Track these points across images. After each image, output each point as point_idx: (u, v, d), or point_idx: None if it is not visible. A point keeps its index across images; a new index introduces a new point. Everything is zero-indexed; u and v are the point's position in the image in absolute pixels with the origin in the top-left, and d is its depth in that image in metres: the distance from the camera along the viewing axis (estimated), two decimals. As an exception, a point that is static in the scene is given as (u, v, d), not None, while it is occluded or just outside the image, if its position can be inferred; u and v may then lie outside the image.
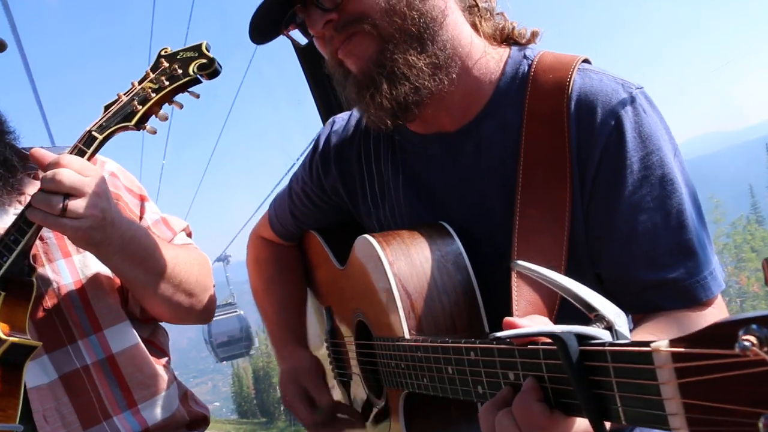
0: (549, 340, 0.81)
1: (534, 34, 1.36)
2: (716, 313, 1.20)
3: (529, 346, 0.85)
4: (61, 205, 1.34)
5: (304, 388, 1.60)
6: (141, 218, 1.76)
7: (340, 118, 1.64)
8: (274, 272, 1.82)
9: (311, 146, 1.65)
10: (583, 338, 0.76)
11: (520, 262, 0.90)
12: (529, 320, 0.94)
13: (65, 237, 1.61)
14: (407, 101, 1.25)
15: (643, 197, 1.18)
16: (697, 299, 1.18)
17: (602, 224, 1.20)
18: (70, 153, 1.42)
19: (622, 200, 1.18)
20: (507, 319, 0.90)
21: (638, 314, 1.24)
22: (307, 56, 2.35)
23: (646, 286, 1.19)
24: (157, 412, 1.63)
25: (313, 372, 1.61)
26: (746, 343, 0.55)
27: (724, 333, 0.59)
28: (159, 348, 1.75)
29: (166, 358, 1.76)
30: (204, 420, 1.79)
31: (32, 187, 1.64)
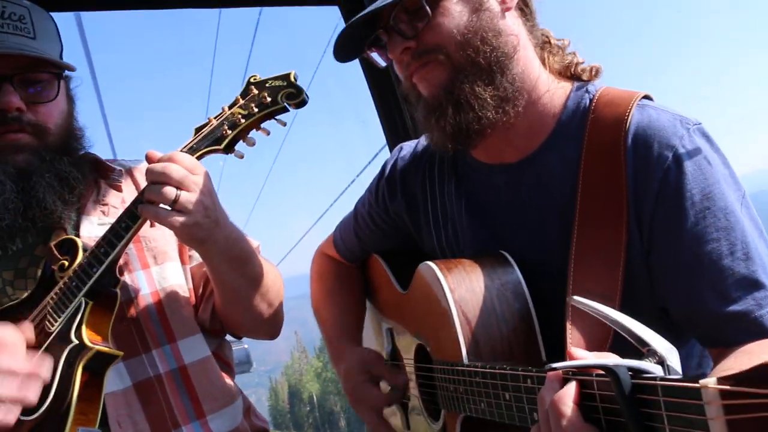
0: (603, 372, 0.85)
1: (597, 71, 1.41)
2: None
3: (584, 377, 0.89)
4: (174, 195, 1.40)
5: (373, 376, 1.65)
6: None
7: (408, 145, 1.72)
8: (335, 284, 1.91)
9: (378, 171, 1.74)
10: (635, 371, 0.80)
11: (576, 297, 0.94)
12: (593, 354, 0.97)
13: (144, 249, 1.70)
14: (469, 129, 1.33)
15: (706, 228, 1.19)
16: None
17: (666, 258, 1.23)
18: None
19: (684, 232, 1.20)
20: (570, 349, 0.94)
21: (716, 348, 1.23)
22: (375, 78, 2.44)
23: (716, 321, 1.19)
24: (223, 424, 1.69)
25: (380, 360, 1.67)
26: (792, 385, 0.59)
27: (771, 373, 0.62)
28: (225, 362, 1.82)
29: (231, 372, 1.84)
30: None
31: (114, 198, 1.74)
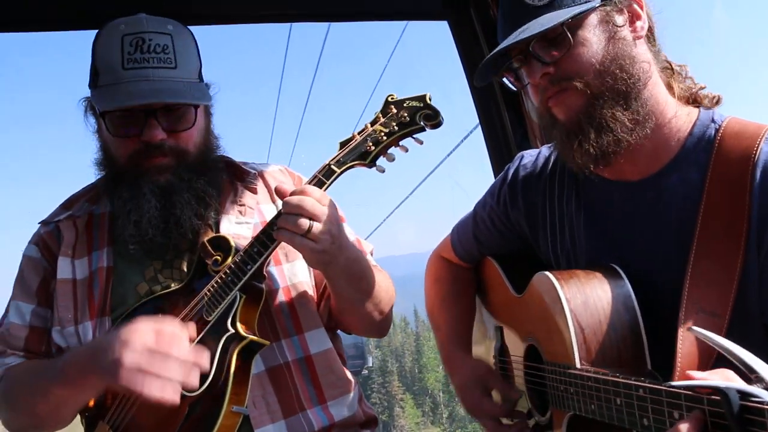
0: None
1: (718, 99, 1.54)
2: None
3: (695, 393, 1.04)
4: (307, 226, 1.58)
5: (487, 389, 1.86)
6: None
7: (529, 154, 1.89)
8: (450, 291, 2.11)
9: (500, 176, 1.92)
10: (744, 394, 0.95)
11: (695, 328, 1.09)
12: (707, 373, 1.11)
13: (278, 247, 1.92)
14: (608, 150, 1.48)
15: None
16: None
17: None
18: (310, 182, 1.68)
19: None
20: (688, 372, 1.10)
21: None
22: (481, 98, 2.62)
23: None
24: (342, 410, 1.91)
25: (493, 373, 1.88)
26: None
27: None
28: (339, 354, 2.02)
29: (344, 364, 2.04)
30: (374, 421, 2.06)
31: (250, 199, 1.97)
